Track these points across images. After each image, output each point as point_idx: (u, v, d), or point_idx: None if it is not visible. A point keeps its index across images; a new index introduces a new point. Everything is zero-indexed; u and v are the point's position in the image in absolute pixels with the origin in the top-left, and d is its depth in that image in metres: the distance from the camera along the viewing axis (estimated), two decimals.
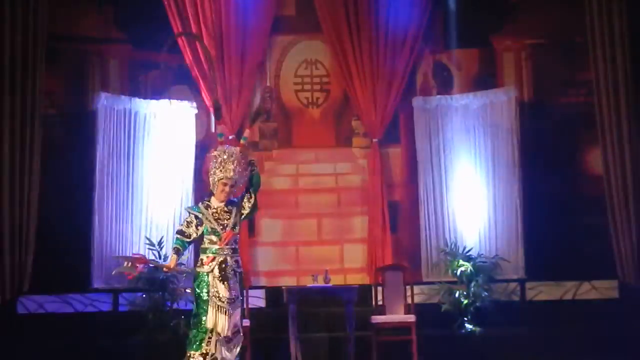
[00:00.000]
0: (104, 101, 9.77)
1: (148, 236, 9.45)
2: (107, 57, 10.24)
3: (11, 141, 9.21)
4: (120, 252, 9.66)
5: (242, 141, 6.74)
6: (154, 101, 10.06)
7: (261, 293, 9.77)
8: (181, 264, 8.02)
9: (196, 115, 10.15)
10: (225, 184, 6.45)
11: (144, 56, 10.30)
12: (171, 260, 6.59)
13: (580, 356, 8.63)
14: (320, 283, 8.66)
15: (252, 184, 6.61)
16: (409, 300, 8.99)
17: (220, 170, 6.46)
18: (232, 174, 6.45)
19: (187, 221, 6.53)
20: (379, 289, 9.19)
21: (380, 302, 9.13)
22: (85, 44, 10.18)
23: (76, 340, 8.83)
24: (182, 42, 10.01)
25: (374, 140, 10.23)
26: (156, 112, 10.00)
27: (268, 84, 10.52)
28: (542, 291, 9.55)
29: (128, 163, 9.82)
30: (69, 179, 9.71)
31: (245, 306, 8.90)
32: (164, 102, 10.02)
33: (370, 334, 8.68)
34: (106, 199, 9.66)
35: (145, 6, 10.06)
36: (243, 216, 6.63)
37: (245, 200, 6.61)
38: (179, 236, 6.52)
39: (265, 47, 10.36)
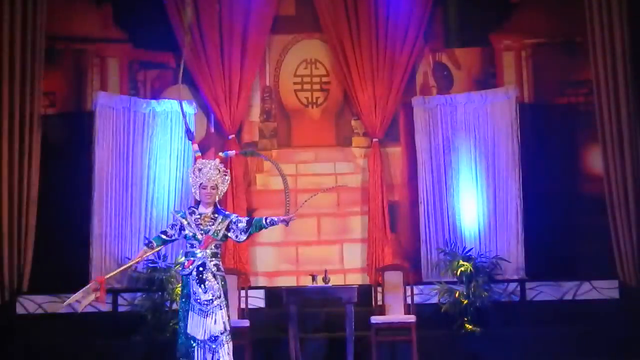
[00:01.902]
0: (103, 101, 9.75)
1: (148, 236, 9.43)
2: (106, 57, 10.24)
3: (11, 141, 9.22)
4: (120, 252, 9.65)
5: (221, 155, 7.07)
6: (153, 101, 10.05)
7: (261, 293, 9.75)
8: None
9: (196, 115, 10.13)
10: (204, 187, 6.67)
11: (144, 56, 10.31)
12: (139, 253, 6.75)
13: (580, 356, 8.63)
14: (319, 283, 8.64)
15: (253, 227, 6.72)
16: (409, 301, 8.97)
17: (199, 177, 6.73)
18: (208, 175, 6.70)
19: (172, 224, 6.80)
20: (379, 289, 9.18)
21: (380, 302, 9.11)
22: (84, 44, 10.19)
23: (75, 340, 8.82)
24: (182, 42, 10.00)
25: (374, 140, 10.21)
26: (156, 112, 9.99)
27: (267, 83, 10.53)
28: (542, 291, 9.51)
29: (127, 163, 9.80)
30: (68, 179, 9.71)
31: (245, 306, 8.92)
32: (163, 102, 10.00)
33: (370, 334, 8.65)
34: (105, 199, 9.63)
35: (145, 5, 10.05)
36: (230, 233, 6.68)
37: (239, 223, 6.67)
38: (160, 234, 6.81)
39: (264, 47, 10.35)
